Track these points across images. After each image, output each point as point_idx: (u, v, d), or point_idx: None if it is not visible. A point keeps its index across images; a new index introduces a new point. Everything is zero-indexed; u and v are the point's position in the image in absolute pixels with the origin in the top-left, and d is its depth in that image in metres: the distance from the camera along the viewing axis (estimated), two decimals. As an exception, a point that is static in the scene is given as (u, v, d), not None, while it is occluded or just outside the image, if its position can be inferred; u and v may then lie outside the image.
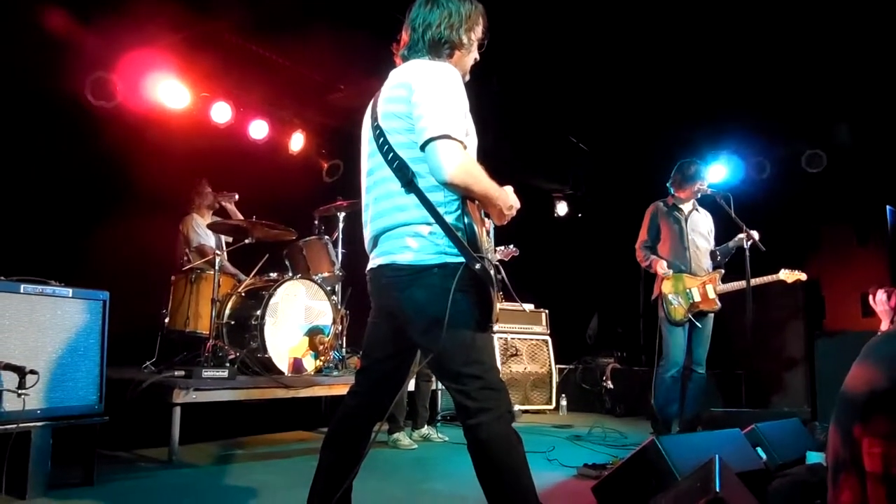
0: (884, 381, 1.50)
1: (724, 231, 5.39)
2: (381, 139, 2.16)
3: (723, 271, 5.20)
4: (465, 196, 2.10)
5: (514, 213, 2.23)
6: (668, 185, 5.37)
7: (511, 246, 5.36)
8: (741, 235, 5.08)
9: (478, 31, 2.31)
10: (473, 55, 2.33)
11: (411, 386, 5.04)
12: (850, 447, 1.50)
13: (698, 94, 6.57)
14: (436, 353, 2.04)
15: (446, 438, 5.09)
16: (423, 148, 2.03)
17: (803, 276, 5.11)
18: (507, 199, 2.19)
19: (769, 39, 5.65)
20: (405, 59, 2.26)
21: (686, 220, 5.23)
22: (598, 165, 8.75)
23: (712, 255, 5.30)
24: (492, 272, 2.08)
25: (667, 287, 5.11)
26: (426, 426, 5.16)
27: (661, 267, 5.12)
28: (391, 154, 2.13)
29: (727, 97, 6.51)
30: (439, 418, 5.79)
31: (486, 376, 2.06)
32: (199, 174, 5.87)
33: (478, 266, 2.03)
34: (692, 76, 6.32)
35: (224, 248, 5.77)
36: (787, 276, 5.10)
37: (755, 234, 5.01)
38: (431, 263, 2.06)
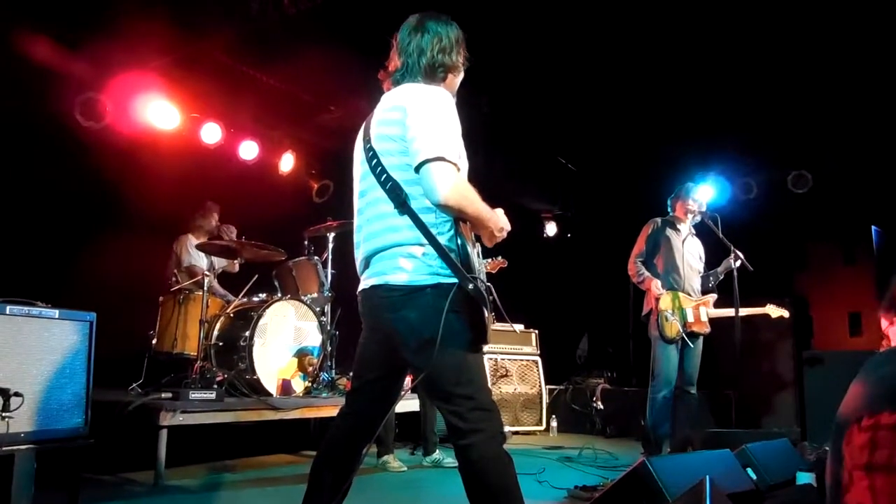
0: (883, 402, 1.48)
1: (711, 252, 5.44)
2: (375, 161, 2.17)
3: (715, 296, 5.26)
4: (458, 217, 2.12)
5: (504, 235, 2.26)
6: (668, 200, 5.48)
7: (499, 257, 5.12)
8: (730, 259, 5.15)
9: (464, 52, 2.34)
10: (461, 75, 2.37)
11: (406, 407, 4.99)
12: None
13: (686, 117, 6.64)
14: (427, 373, 2.04)
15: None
16: (417, 170, 2.05)
17: (786, 314, 5.35)
18: (499, 221, 2.22)
19: (755, 62, 5.73)
20: (397, 83, 2.26)
21: (684, 242, 5.27)
22: (587, 186, 8.80)
23: (703, 278, 5.36)
24: (485, 293, 2.09)
25: (664, 303, 5.11)
26: (437, 451, 4.89)
27: (656, 286, 5.13)
28: (384, 176, 2.14)
29: (714, 119, 6.59)
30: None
31: (478, 396, 2.06)
32: (188, 195, 5.83)
33: (471, 286, 2.05)
34: (680, 99, 6.39)
35: (214, 270, 5.73)
36: (772, 311, 5.32)
37: (741, 255, 5.10)
38: (424, 284, 2.07)
